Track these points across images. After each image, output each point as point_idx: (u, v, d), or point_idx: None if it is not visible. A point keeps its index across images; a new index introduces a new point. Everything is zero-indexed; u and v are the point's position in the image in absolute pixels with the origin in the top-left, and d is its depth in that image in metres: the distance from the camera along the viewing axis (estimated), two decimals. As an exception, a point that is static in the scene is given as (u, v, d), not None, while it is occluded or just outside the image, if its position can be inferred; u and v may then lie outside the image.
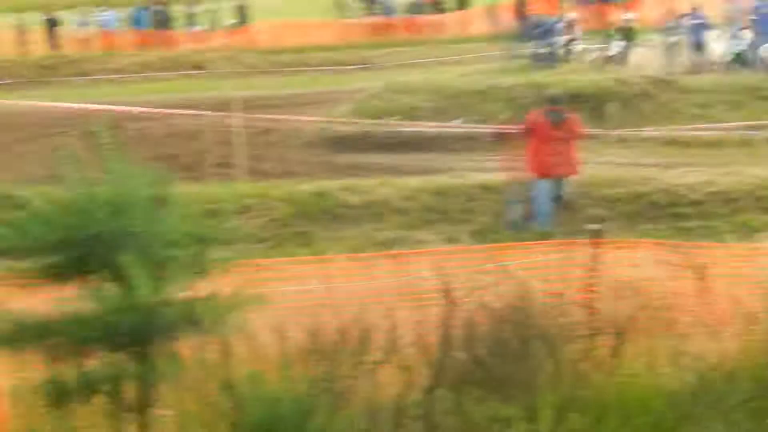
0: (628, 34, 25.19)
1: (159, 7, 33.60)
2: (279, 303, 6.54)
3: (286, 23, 32.51)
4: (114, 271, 4.88)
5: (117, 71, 24.34)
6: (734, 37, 23.10)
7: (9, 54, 26.74)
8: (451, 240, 12.44)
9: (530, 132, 13.15)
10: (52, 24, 30.12)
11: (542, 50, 24.08)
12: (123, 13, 33.95)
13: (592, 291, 7.00)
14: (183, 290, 5.05)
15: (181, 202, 5.47)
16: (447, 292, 6.60)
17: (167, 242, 5.14)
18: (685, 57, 23.70)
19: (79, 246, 4.99)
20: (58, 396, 5.08)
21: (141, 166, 5.32)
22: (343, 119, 18.79)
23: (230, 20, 34.26)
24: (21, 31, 29.83)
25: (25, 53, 27.73)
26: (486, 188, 13.67)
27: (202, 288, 5.15)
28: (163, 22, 33.35)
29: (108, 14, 32.55)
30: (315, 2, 44.21)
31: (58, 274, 5.05)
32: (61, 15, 33.92)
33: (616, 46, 24.80)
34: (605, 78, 20.15)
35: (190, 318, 5.03)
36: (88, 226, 5.00)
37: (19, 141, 18.09)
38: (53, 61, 26.36)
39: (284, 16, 37.04)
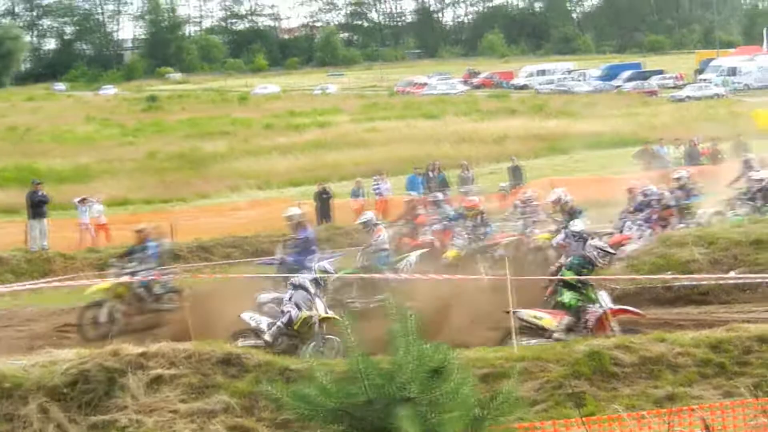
0: None
1: (432, 172, 34.92)
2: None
3: (557, 181, 33.01)
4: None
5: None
6: None
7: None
8: (727, 394, 12.28)
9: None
10: (325, 195, 31.73)
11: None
12: (398, 182, 35.53)
13: None
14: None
15: (460, 369, 5.82)
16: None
17: (443, 408, 5.53)
18: None
19: (356, 412, 5.46)
20: None
21: (422, 337, 5.76)
22: (619, 275, 18.86)
23: (504, 182, 35.21)
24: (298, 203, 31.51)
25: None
26: (763, 340, 13.41)
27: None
28: (440, 186, 34.62)
29: (383, 183, 34.08)
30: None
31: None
32: (336, 186, 35.91)
33: None
34: None
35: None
36: (362, 393, 5.48)
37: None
38: (329, 233, 27.58)
39: (562, 175, 37.78)
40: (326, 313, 16.02)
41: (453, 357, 5.64)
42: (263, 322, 16.27)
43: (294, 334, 16.05)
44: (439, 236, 22.58)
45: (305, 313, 15.93)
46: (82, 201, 29.38)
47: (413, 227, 23.37)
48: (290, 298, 16.28)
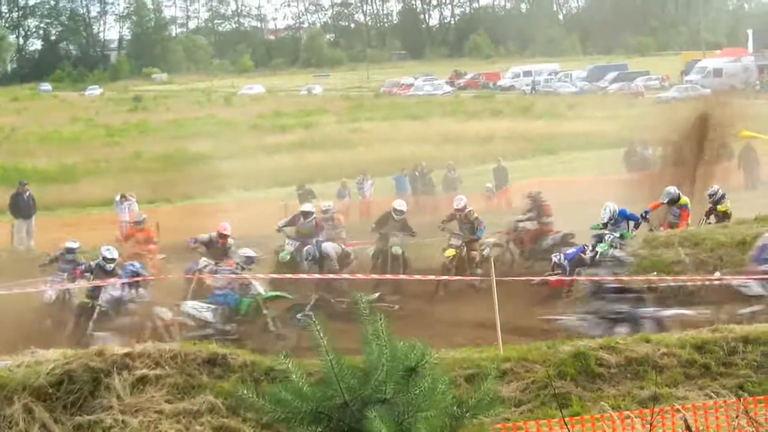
0: None
1: (418, 173, 34.92)
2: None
3: (544, 182, 33.03)
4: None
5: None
6: None
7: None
8: (711, 395, 12.33)
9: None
10: (308, 196, 31.58)
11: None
12: (383, 182, 35.47)
13: None
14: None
15: (438, 370, 5.80)
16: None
17: (419, 407, 5.53)
18: None
19: (333, 414, 5.46)
20: None
21: (396, 338, 5.74)
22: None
23: (489, 183, 35.21)
24: (283, 204, 31.39)
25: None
26: (748, 341, 13.46)
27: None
28: (424, 187, 34.64)
29: (367, 183, 34.01)
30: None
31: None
32: (322, 187, 35.88)
33: None
34: None
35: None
36: (338, 395, 5.48)
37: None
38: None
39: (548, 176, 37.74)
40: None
41: (429, 355, 5.61)
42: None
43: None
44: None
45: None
46: (122, 198, 29.64)
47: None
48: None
